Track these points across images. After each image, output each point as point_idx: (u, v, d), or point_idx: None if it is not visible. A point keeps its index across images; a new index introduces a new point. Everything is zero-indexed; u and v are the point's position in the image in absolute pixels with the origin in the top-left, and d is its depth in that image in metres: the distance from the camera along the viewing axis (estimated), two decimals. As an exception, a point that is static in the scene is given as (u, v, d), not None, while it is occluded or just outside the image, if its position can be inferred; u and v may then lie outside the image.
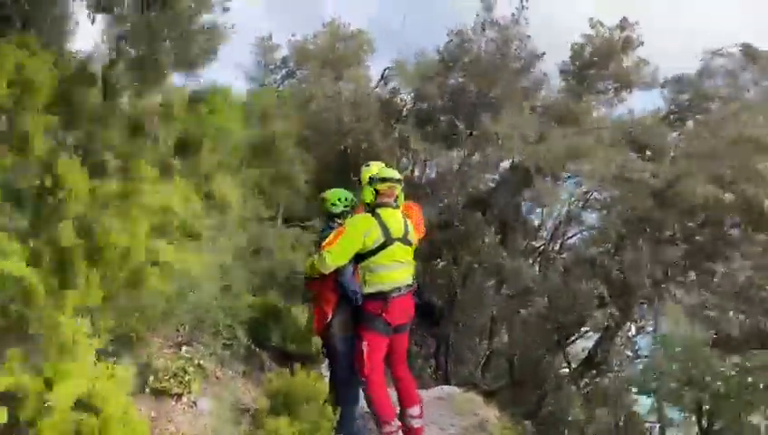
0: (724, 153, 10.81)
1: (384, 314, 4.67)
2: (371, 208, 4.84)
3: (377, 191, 4.84)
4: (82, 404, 2.49)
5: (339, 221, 5.33)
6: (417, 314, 5.10)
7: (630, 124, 13.90)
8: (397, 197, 4.92)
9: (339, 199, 5.40)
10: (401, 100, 16.86)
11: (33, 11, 7.07)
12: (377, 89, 17.39)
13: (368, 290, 4.72)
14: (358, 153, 14.08)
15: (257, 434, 4.56)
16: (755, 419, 8.24)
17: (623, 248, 11.54)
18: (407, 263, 4.88)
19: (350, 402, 5.08)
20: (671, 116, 14.22)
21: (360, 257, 4.70)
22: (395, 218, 4.78)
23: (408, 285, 4.83)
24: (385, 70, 17.30)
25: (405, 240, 4.82)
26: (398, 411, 5.02)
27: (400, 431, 4.91)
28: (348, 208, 5.39)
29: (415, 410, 5.04)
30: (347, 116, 14.86)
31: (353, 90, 16.44)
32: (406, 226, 4.88)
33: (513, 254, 14.39)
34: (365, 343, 4.70)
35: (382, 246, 4.65)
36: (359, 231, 4.65)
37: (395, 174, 4.96)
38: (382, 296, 4.67)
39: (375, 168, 5.08)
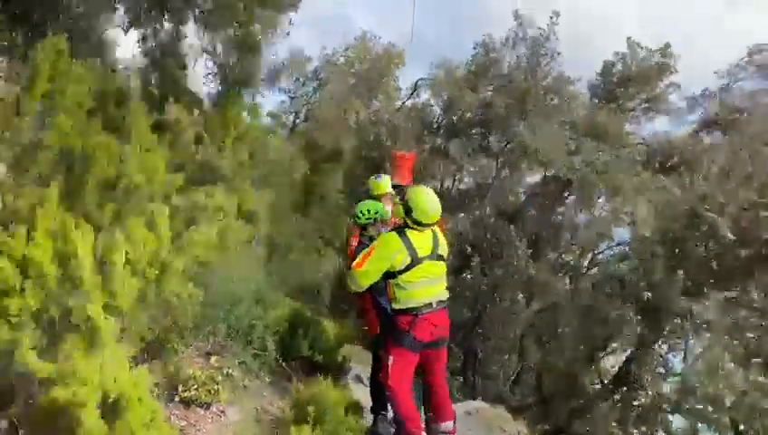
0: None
1: (412, 331, 4.64)
2: (400, 227, 4.79)
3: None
4: (108, 405, 2.55)
5: (365, 233, 5.38)
6: None
7: (664, 145, 13.75)
8: None
9: (361, 212, 5.43)
10: (433, 112, 16.91)
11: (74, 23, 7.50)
12: (409, 101, 17.49)
13: (397, 306, 4.71)
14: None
15: (282, 443, 4.61)
16: None
17: (654, 265, 11.31)
18: (438, 278, 4.78)
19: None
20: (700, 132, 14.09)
21: (389, 274, 4.69)
22: (423, 237, 4.71)
23: (441, 301, 4.79)
24: (417, 81, 17.39)
25: (435, 256, 4.76)
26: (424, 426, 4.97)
27: None
28: (371, 221, 5.40)
29: (448, 426, 4.97)
30: (378, 129, 14.94)
31: (384, 103, 16.54)
32: (435, 241, 4.79)
33: (543, 267, 14.25)
34: (390, 357, 4.68)
35: (410, 266, 4.63)
36: (387, 252, 4.62)
37: (435, 217, 4.70)
38: (412, 312, 4.65)
39: (421, 195, 4.66)
